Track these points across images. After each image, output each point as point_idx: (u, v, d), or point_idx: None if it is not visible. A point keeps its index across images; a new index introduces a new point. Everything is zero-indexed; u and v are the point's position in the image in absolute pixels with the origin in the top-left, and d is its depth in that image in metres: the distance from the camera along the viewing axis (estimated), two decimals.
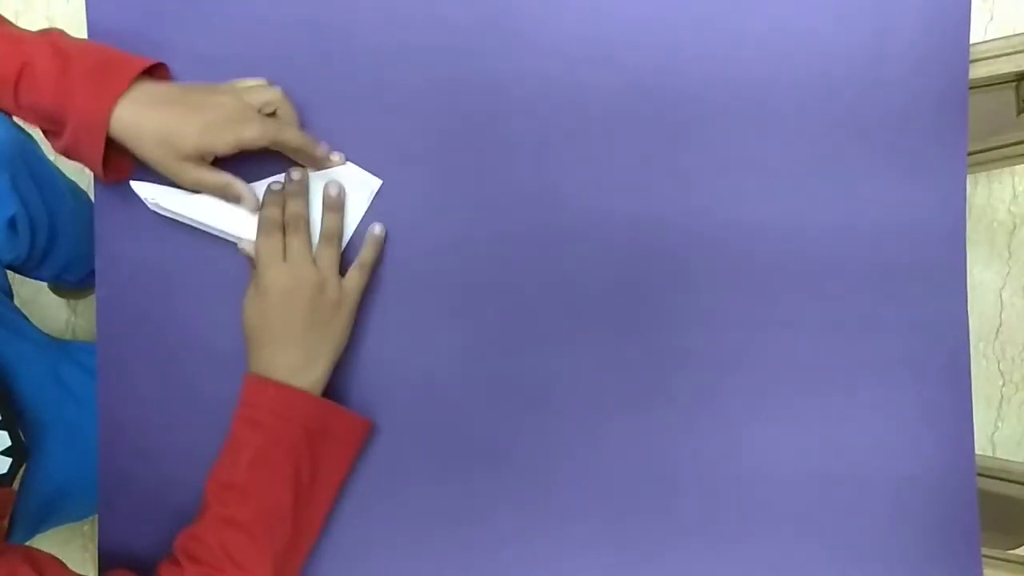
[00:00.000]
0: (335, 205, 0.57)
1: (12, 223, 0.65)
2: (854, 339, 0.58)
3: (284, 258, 0.54)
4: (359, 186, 0.58)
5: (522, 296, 0.59)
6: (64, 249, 0.75)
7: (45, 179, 0.68)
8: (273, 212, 0.55)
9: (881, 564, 0.58)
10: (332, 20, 0.59)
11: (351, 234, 0.58)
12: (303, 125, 0.58)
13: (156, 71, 0.55)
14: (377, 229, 0.57)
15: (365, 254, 0.57)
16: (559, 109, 0.58)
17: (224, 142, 0.52)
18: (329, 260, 0.55)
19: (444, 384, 0.59)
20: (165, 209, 0.56)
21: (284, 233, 0.55)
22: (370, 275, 0.57)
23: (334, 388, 0.57)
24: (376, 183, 0.58)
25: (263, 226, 0.55)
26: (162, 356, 0.59)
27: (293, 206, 0.56)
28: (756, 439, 0.58)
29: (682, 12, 0.58)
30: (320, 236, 0.56)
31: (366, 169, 0.58)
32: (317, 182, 0.57)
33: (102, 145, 0.51)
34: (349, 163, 0.58)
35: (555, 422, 0.58)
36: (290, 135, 0.54)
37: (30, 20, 1.10)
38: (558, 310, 0.59)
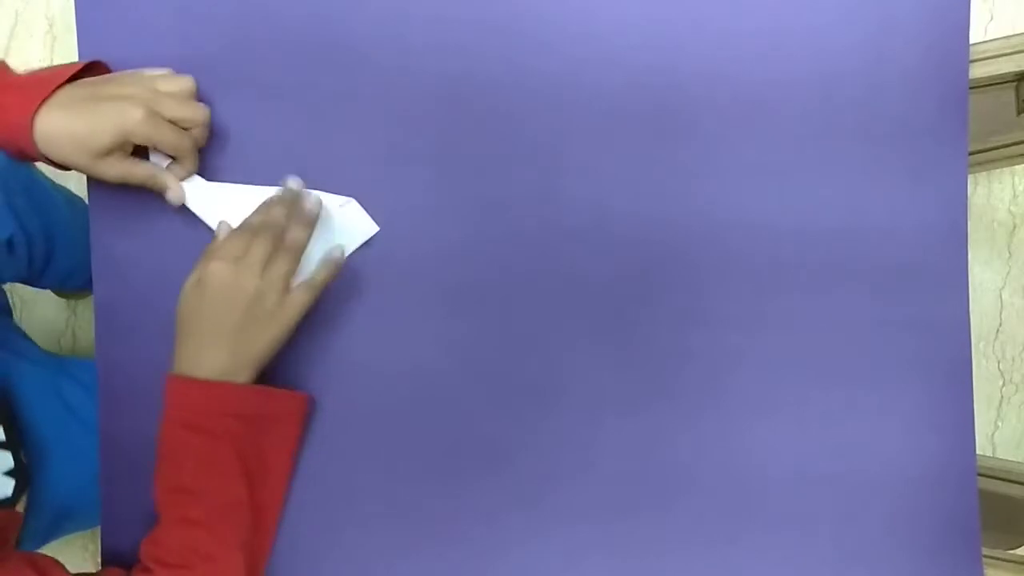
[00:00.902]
0: (305, 220, 0.55)
1: (9, 244, 0.65)
2: (855, 339, 0.58)
3: (237, 252, 0.52)
4: (354, 227, 0.58)
5: (522, 296, 0.59)
6: (63, 261, 0.75)
7: (39, 194, 0.68)
8: (255, 216, 0.54)
9: (881, 564, 0.58)
10: (332, 20, 0.59)
11: (316, 268, 0.56)
12: (303, 125, 0.58)
13: (96, 69, 0.55)
14: (336, 253, 0.55)
15: (318, 274, 0.55)
16: (559, 108, 0.58)
17: (141, 133, 0.51)
18: (279, 272, 0.53)
19: (443, 383, 0.59)
20: (196, 205, 0.56)
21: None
22: (317, 296, 0.54)
23: (333, 388, 0.57)
24: (372, 229, 0.58)
25: (240, 224, 0.54)
26: (160, 356, 0.58)
27: (270, 213, 0.54)
28: (756, 439, 0.58)
29: (683, 12, 0.58)
30: (280, 247, 0.54)
31: (366, 169, 0.58)
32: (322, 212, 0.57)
33: (38, 155, 0.51)
34: (354, 202, 0.58)
35: (556, 421, 0.58)
36: (166, 134, 0.52)
37: (30, 19, 1.10)
38: (558, 310, 0.59)
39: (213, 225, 0.56)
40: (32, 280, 0.75)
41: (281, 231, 0.53)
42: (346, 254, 0.56)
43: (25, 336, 0.79)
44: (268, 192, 0.56)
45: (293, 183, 0.56)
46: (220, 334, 0.52)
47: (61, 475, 0.68)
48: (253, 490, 0.53)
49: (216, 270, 0.52)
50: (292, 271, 0.54)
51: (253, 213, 0.55)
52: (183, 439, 0.52)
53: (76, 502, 0.70)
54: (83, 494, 0.69)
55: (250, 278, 0.52)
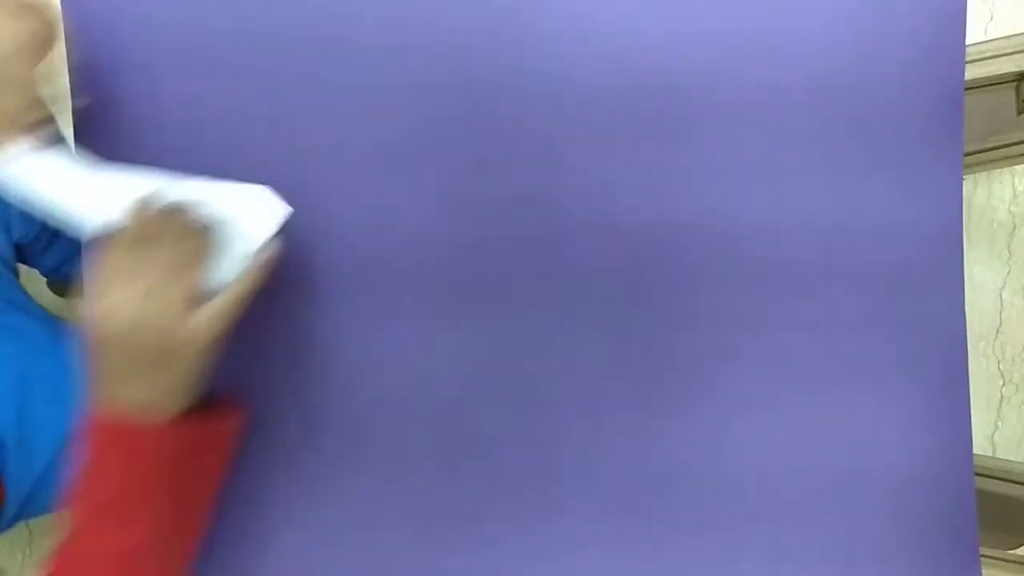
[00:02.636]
0: (193, 226, 0.47)
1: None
2: (851, 339, 0.58)
3: (132, 278, 0.45)
4: (263, 215, 0.50)
5: (520, 296, 0.59)
6: (68, 238, 0.75)
7: None
8: (135, 227, 0.46)
9: (879, 564, 0.58)
10: (331, 16, 0.58)
11: (233, 270, 0.49)
12: (301, 122, 0.58)
13: None
14: (261, 257, 0.49)
15: (234, 288, 0.48)
16: (558, 108, 0.58)
17: None
18: (176, 296, 0.46)
19: (440, 383, 0.59)
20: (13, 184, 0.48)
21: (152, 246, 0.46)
22: (237, 310, 0.48)
23: (331, 388, 0.57)
24: (284, 212, 0.50)
25: (118, 239, 0.46)
26: None
27: (151, 222, 0.46)
28: (753, 438, 0.58)
29: (682, 14, 0.58)
30: (175, 262, 0.46)
31: (365, 167, 0.58)
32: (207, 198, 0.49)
33: None
34: (259, 187, 0.50)
35: (555, 420, 0.58)
36: None
37: None
38: (557, 310, 0.59)
39: (66, 214, 0.48)
40: (39, 249, 0.75)
41: (172, 240, 0.46)
42: (258, 246, 0.49)
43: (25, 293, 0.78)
44: (140, 183, 0.48)
45: (170, 183, 0.48)
46: (133, 370, 0.46)
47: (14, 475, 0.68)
48: (178, 519, 0.48)
49: (111, 309, 0.45)
50: (194, 288, 0.47)
51: (130, 221, 0.46)
52: (96, 483, 0.46)
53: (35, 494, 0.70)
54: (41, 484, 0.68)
55: (148, 312, 0.44)
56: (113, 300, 0.45)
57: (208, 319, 0.47)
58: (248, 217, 0.49)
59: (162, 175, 0.49)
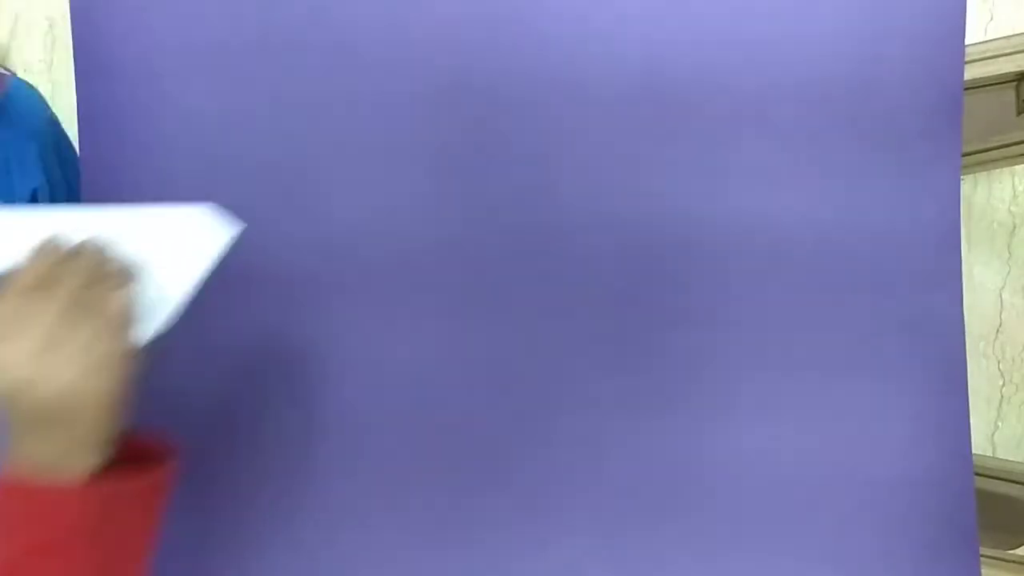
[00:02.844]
0: (116, 274, 0.42)
1: (35, 196, 0.65)
2: (851, 339, 0.58)
3: (29, 329, 0.40)
4: (205, 238, 0.45)
5: (519, 296, 0.59)
6: None
7: (70, 160, 0.69)
8: (40, 264, 0.41)
9: (879, 564, 0.58)
10: (330, 18, 0.59)
11: (161, 309, 0.44)
12: (299, 122, 0.58)
13: None
14: (176, 292, 0.44)
15: (158, 329, 0.43)
16: (558, 110, 0.58)
17: None
18: (81, 345, 0.40)
19: (439, 383, 0.58)
20: None
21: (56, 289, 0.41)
22: (159, 354, 0.43)
23: (330, 389, 0.57)
24: (229, 234, 0.45)
25: (22, 276, 0.41)
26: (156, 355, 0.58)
27: (67, 263, 0.42)
28: (752, 438, 0.58)
29: (679, 14, 0.58)
30: (83, 309, 0.41)
31: (364, 168, 0.58)
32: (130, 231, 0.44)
33: None
34: (200, 208, 0.45)
35: (554, 421, 0.58)
36: None
37: (30, 20, 1.10)
38: (556, 310, 0.59)
39: None
40: None
41: (78, 284, 0.41)
42: (201, 274, 0.45)
43: None
44: (51, 222, 0.43)
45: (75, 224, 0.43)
46: (34, 428, 0.41)
47: None
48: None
49: (3, 365, 0.40)
50: (103, 336, 0.41)
51: (27, 265, 0.41)
52: (7, 536, 0.42)
53: None
54: None
55: (46, 367, 0.40)
56: (5, 354, 0.40)
57: (121, 369, 0.41)
58: (183, 247, 0.45)
59: (88, 209, 0.45)
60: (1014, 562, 0.68)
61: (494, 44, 0.58)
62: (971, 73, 0.58)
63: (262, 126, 0.58)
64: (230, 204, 0.60)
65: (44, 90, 0.70)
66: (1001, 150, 0.89)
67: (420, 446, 0.58)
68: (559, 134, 0.59)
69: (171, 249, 0.44)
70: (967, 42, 0.59)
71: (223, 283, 0.58)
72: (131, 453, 0.45)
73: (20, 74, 0.67)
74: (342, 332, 0.58)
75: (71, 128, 0.58)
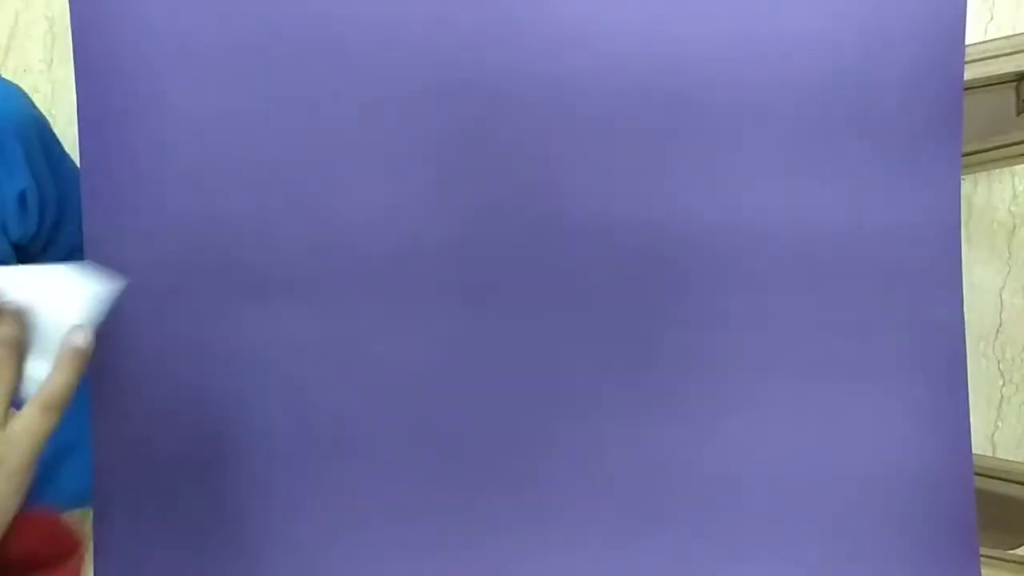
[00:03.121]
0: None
1: (22, 198, 0.64)
2: (850, 339, 0.58)
3: None
4: (84, 297, 0.44)
5: (519, 296, 0.59)
6: (69, 233, 0.75)
7: (57, 159, 0.68)
8: None
9: (879, 563, 0.58)
10: (330, 19, 0.59)
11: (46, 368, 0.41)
12: (299, 123, 0.58)
13: None
14: (79, 341, 0.41)
15: (53, 382, 0.40)
16: (558, 110, 0.58)
17: None
18: None
19: (438, 383, 0.59)
20: None
21: None
22: (61, 410, 0.40)
23: (330, 389, 0.57)
24: (110, 289, 0.44)
25: None
26: (155, 355, 0.58)
27: None
28: (752, 438, 0.58)
29: (679, 14, 0.58)
30: None
31: (364, 168, 0.58)
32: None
33: None
34: (68, 267, 0.44)
35: (553, 421, 0.58)
36: None
37: (30, 19, 1.10)
38: (556, 310, 0.59)
39: None
40: (38, 249, 0.75)
41: None
42: (75, 334, 0.42)
43: None
44: None
45: None
46: None
47: None
48: None
49: None
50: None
51: None
52: None
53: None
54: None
55: None
56: None
57: (23, 425, 0.39)
58: (62, 304, 0.43)
59: None
60: (1014, 562, 0.68)
61: (494, 44, 0.58)
62: (971, 73, 0.58)
63: (262, 126, 0.58)
64: (230, 204, 0.60)
65: (44, 90, 0.69)
66: (1001, 150, 0.89)
67: (420, 447, 0.58)
68: (561, 134, 0.59)
69: (50, 305, 0.42)
70: (967, 42, 0.59)
71: (223, 283, 0.58)
72: (28, 534, 0.42)
73: (20, 74, 0.67)
74: (342, 332, 0.58)
75: (72, 128, 0.58)
